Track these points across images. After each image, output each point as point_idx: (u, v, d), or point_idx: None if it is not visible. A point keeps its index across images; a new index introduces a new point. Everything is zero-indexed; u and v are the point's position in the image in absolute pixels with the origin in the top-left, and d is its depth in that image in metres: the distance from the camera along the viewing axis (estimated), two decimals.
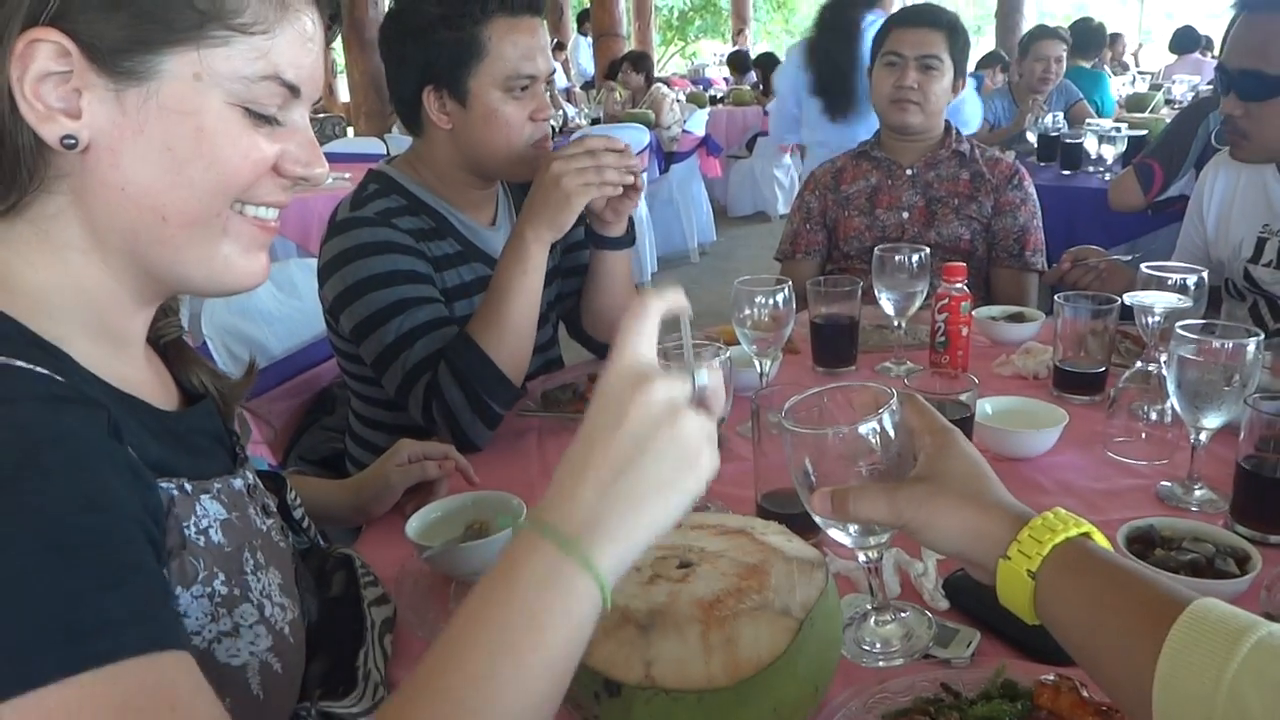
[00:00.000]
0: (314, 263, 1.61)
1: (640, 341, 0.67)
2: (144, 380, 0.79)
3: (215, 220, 0.73)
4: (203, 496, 0.75)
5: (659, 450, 0.64)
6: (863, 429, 0.78)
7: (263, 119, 0.73)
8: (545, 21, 1.60)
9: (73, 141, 0.67)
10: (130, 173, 0.69)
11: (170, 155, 0.69)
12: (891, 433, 0.79)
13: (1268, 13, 1.67)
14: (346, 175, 4.51)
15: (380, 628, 0.95)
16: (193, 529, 0.73)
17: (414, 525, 1.10)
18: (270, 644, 0.77)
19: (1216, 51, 8.39)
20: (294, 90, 0.74)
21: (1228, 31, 1.77)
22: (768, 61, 9.15)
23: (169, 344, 0.87)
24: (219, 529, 0.75)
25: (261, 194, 0.76)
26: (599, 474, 0.63)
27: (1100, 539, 0.72)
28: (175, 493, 0.72)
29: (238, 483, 0.82)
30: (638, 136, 5.45)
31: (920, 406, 0.83)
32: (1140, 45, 16.11)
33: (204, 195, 0.71)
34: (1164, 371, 1.25)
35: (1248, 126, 1.73)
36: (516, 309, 1.45)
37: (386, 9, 7.63)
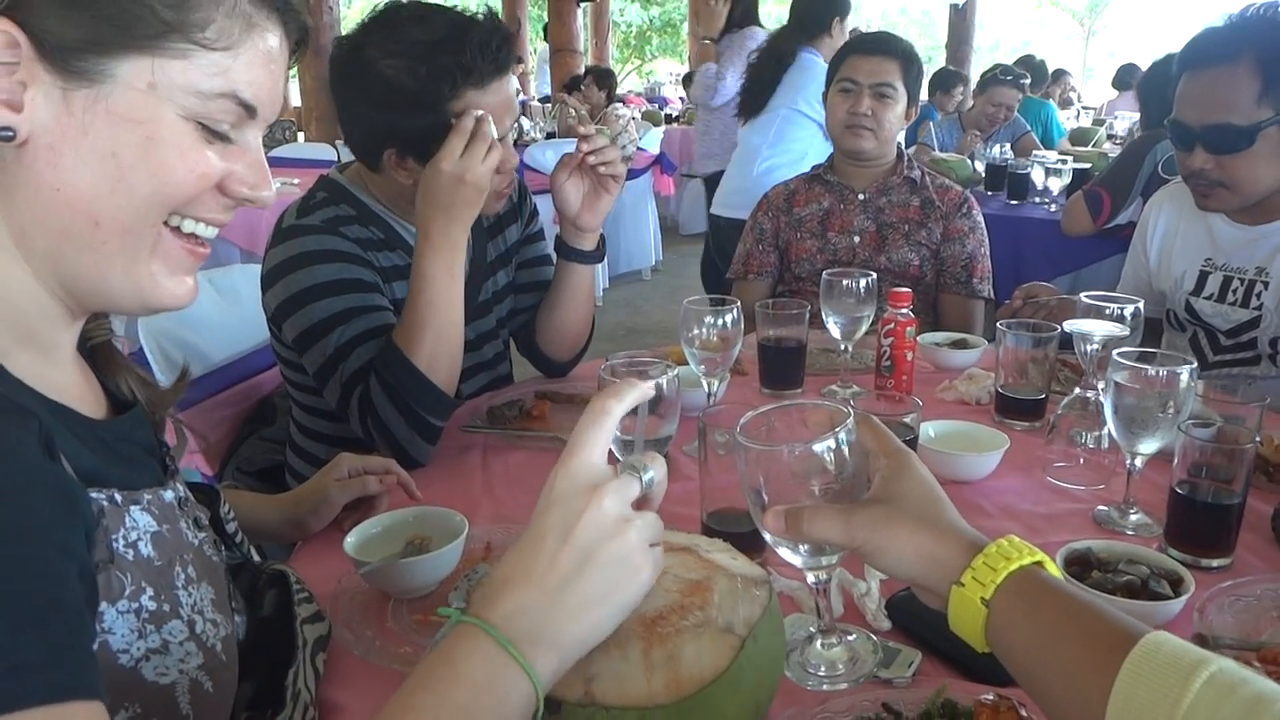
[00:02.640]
0: (257, 269, 1.58)
1: (595, 445, 0.70)
2: (73, 387, 0.76)
3: (148, 231, 0.71)
4: (133, 508, 0.73)
5: (604, 563, 0.67)
6: (817, 447, 0.78)
7: (215, 136, 0.71)
8: (513, 73, 1.54)
9: (10, 134, 0.65)
10: (68, 174, 0.67)
11: (114, 161, 0.67)
12: (846, 452, 0.78)
13: (1217, 65, 1.68)
14: (295, 181, 4.46)
15: (313, 646, 0.92)
16: (121, 542, 0.71)
17: (352, 540, 1.07)
18: (201, 661, 0.75)
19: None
20: (250, 110, 0.73)
21: (1172, 89, 1.79)
22: None
23: (96, 347, 0.84)
24: (149, 542, 0.73)
25: (201, 210, 0.74)
26: (545, 581, 0.66)
27: (1052, 568, 0.72)
28: (105, 504, 0.70)
29: (168, 495, 0.79)
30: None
31: (876, 427, 0.83)
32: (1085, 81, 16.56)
33: (142, 205, 0.70)
34: (1102, 398, 1.28)
35: (1222, 178, 1.74)
36: (448, 318, 1.42)
37: (340, 16, 7.56)
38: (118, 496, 0.71)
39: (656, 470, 0.73)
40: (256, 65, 0.72)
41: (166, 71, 0.68)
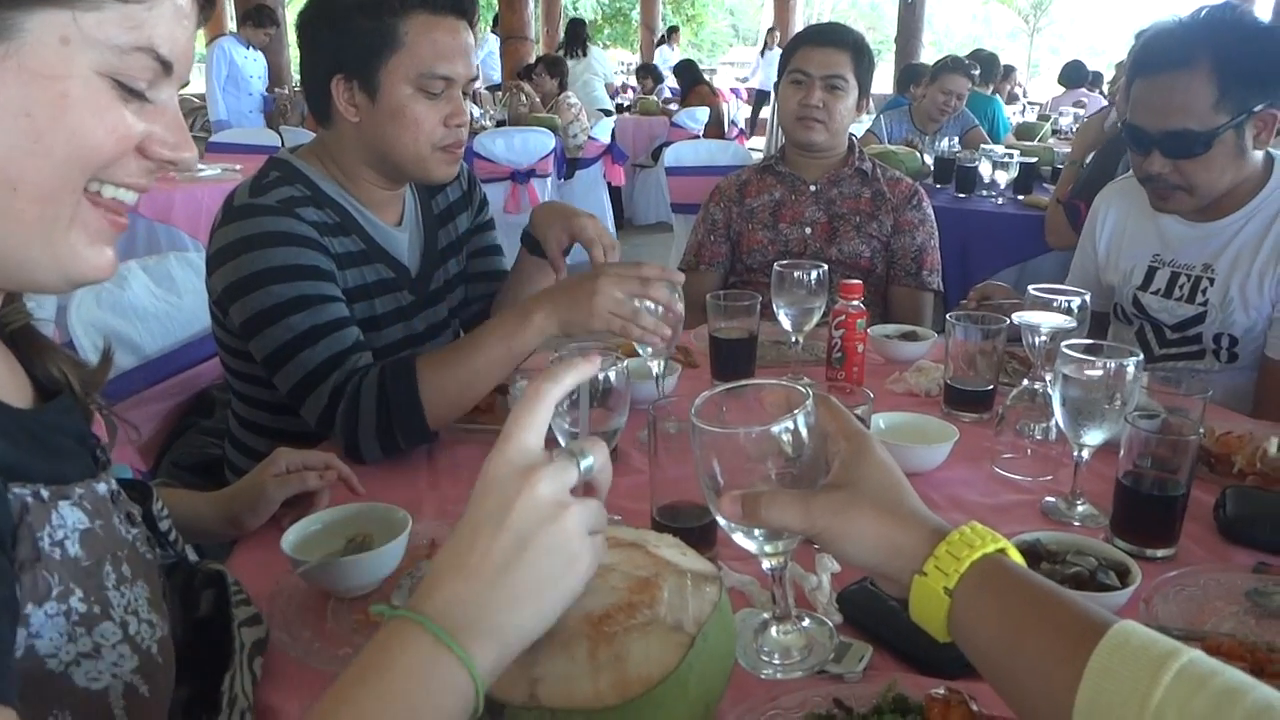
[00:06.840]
0: (194, 258, 1.53)
1: (530, 430, 0.68)
2: None
3: (68, 197, 0.67)
4: (61, 503, 0.69)
5: (542, 550, 0.64)
6: (775, 429, 0.75)
7: (131, 94, 0.68)
8: (472, 29, 1.54)
9: None
10: None
11: (29, 121, 0.63)
12: (805, 434, 0.76)
13: (1173, 70, 1.68)
14: (237, 167, 4.38)
15: (250, 649, 0.89)
16: (47, 540, 0.67)
17: (290, 538, 1.04)
18: (136, 664, 0.71)
19: (1105, 87, 8.66)
20: (167, 66, 0.69)
21: (1127, 92, 1.80)
22: (685, 69, 9.42)
23: (16, 333, 0.80)
24: (77, 540, 0.69)
25: (121, 174, 0.70)
26: (481, 571, 0.63)
27: (1015, 555, 0.71)
28: (30, 499, 0.66)
29: (101, 488, 0.75)
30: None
31: (835, 409, 0.81)
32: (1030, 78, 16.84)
33: (61, 167, 0.66)
34: (1049, 390, 1.29)
35: (1181, 182, 1.75)
36: (481, 369, 1.37)
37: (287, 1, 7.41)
38: (44, 492, 0.68)
39: (596, 456, 0.70)
40: (170, 19, 0.69)
41: (80, 24, 0.64)
